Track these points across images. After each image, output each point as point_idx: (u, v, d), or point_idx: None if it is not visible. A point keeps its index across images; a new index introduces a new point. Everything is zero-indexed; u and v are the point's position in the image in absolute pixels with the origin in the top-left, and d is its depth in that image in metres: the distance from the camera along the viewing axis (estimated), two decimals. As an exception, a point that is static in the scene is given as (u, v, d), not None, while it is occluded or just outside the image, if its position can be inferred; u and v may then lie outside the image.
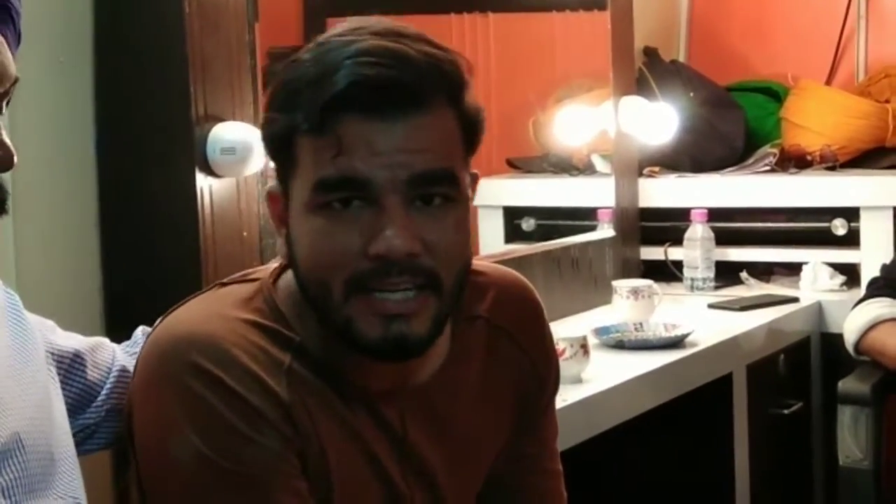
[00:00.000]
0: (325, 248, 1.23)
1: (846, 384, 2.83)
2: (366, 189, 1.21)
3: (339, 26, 1.27)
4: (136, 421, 1.30)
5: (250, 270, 1.39)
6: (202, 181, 2.08)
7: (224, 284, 1.36)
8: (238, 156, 2.09)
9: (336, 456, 1.29)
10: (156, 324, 1.35)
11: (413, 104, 1.21)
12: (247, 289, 1.33)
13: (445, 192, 1.24)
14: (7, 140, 1.19)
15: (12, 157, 1.19)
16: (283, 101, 1.25)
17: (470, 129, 1.28)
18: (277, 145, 1.26)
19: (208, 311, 1.30)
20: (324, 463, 1.29)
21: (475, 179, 1.32)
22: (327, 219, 1.22)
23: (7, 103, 1.22)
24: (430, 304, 1.24)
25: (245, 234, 2.17)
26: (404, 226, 1.21)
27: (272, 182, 1.31)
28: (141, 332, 1.69)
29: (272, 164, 1.32)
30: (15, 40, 1.24)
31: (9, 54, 1.21)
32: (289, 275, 1.32)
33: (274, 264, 1.36)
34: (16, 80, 1.22)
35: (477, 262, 1.40)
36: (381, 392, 1.33)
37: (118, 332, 1.69)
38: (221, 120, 2.11)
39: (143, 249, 2.14)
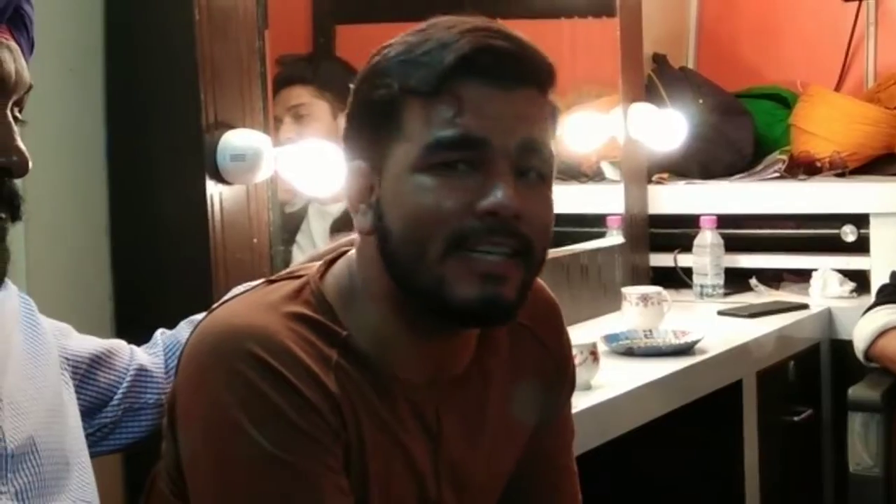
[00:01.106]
0: (431, 205, 1.25)
1: (856, 391, 2.83)
2: (480, 150, 1.25)
3: (434, 20, 1.32)
4: (183, 408, 1.30)
5: (296, 267, 1.42)
6: (212, 188, 2.08)
7: (272, 281, 1.37)
8: (248, 163, 2.09)
9: (374, 452, 1.31)
10: (203, 317, 1.36)
11: (527, 79, 1.29)
12: (294, 284, 1.34)
13: (541, 167, 1.30)
14: (22, 146, 1.20)
15: (27, 162, 1.20)
16: (391, 68, 1.28)
17: (555, 125, 1.34)
18: (380, 111, 1.29)
19: (260, 304, 1.31)
20: (363, 458, 1.30)
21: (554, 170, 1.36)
22: (435, 177, 1.25)
23: (21, 110, 1.22)
24: (520, 270, 1.28)
25: (255, 240, 2.17)
26: (513, 187, 1.26)
27: (356, 161, 1.32)
28: (160, 334, 1.69)
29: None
30: (28, 48, 1.24)
31: (23, 61, 1.22)
32: (336, 269, 1.35)
33: (317, 263, 1.38)
34: (30, 88, 1.22)
35: None
36: (419, 384, 1.35)
37: (128, 339, 1.70)
38: (231, 127, 2.11)
39: (153, 256, 2.14)
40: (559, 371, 1.52)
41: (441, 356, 1.35)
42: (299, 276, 1.36)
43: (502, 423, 1.44)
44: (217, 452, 1.25)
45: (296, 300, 1.31)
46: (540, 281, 1.50)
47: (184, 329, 1.68)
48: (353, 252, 1.36)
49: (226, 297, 1.41)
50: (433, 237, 1.25)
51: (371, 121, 1.30)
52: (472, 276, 1.25)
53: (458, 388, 1.38)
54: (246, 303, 1.34)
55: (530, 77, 1.29)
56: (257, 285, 1.39)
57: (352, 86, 1.34)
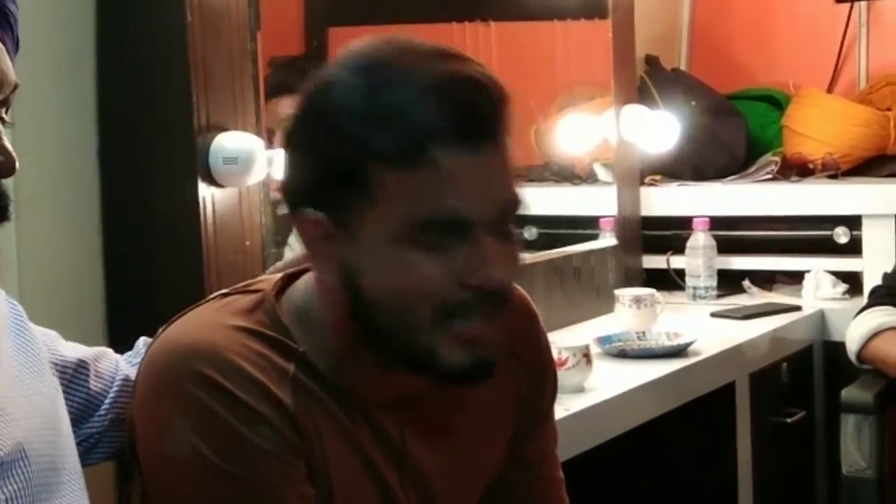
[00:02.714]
0: (415, 279, 1.20)
1: (849, 393, 2.82)
2: (465, 225, 1.19)
3: (371, 45, 1.23)
4: (140, 432, 1.30)
5: (252, 281, 1.39)
6: (204, 191, 2.08)
7: (225, 295, 1.35)
8: (240, 165, 2.09)
9: (337, 465, 1.30)
10: (156, 335, 1.34)
11: (500, 133, 1.22)
12: (248, 300, 1.32)
13: (514, 223, 1.25)
14: (8, 146, 1.19)
15: (14, 163, 1.19)
16: (350, 126, 1.19)
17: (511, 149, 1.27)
18: (342, 170, 1.20)
19: (209, 321, 1.29)
20: (326, 471, 1.29)
21: None
22: (419, 251, 1.19)
23: (7, 110, 1.21)
24: (495, 329, 1.25)
25: (247, 243, 2.17)
26: (501, 257, 1.21)
27: (309, 212, 1.24)
28: (143, 342, 1.68)
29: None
30: (14, 46, 1.23)
31: (8, 61, 1.21)
32: (295, 289, 1.32)
33: (275, 276, 1.36)
34: (16, 87, 1.22)
35: None
36: (381, 404, 1.33)
37: (120, 342, 1.69)
38: (224, 129, 2.11)
39: (145, 259, 2.13)
40: (535, 384, 1.48)
41: (403, 382, 1.32)
42: (255, 291, 1.33)
43: (474, 439, 1.42)
44: (175, 474, 1.25)
45: (248, 316, 1.29)
46: (519, 288, 1.45)
47: None
48: (310, 276, 1.32)
49: (182, 312, 1.37)
50: (420, 309, 1.21)
51: (329, 176, 1.22)
52: (461, 344, 1.22)
53: (424, 408, 1.36)
54: (195, 319, 1.32)
55: (501, 128, 1.22)
56: (211, 299, 1.36)
57: (290, 120, 1.26)
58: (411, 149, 1.17)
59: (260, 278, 1.40)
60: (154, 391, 1.27)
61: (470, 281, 1.20)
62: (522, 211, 1.25)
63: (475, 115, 1.19)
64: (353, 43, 1.24)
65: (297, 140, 1.26)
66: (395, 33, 1.25)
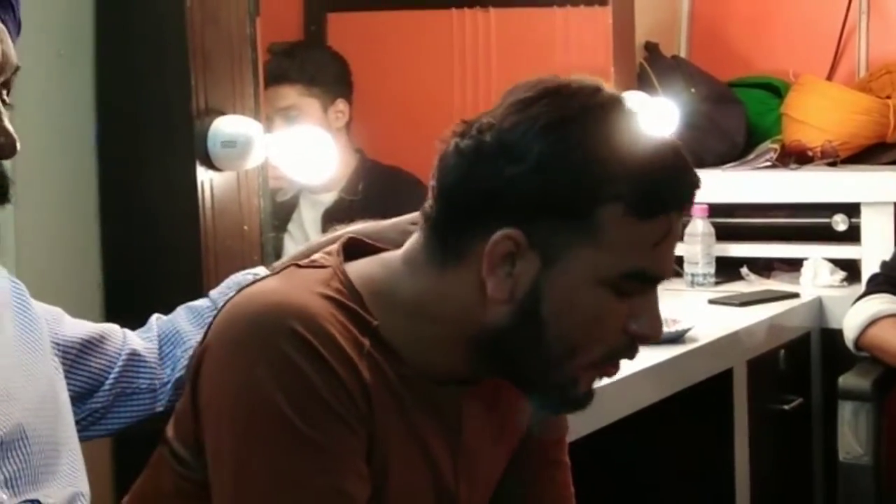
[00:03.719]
0: (602, 321, 1.29)
1: (847, 380, 2.83)
2: (657, 282, 1.32)
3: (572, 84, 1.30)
4: (211, 378, 1.29)
5: (315, 257, 1.39)
6: (203, 175, 2.08)
7: (299, 267, 1.36)
8: (239, 149, 2.09)
9: (396, 444, 1.31)
10: (234, 295, 1.34)
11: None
12: (324, 272, 1.33)
13: None
14: (10, 127, 1.19)
15: (14, 143, 1.19)
16: (615, 171, 1.25)
17: None
18: (576, 202, 1.26)
19: (298, 287, 1.31)
20: (385, 448, 1.30)
21: None
22: (614, 295, 1.28)
23: (8, 92, 1.21)
24: None
25: (246, 228, 2.17)
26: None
27: (509, 230, 1.26)
28: (155, 319, 1.69)
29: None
30: (15, 28, 1.23)
31: (10, 42, 1.21)
32: (363, 265, 1.35)
33: (328, 257, 1.36)
34: (17, 69, 1.22)
35: None
36: (442, 383, 1.35)
37: (118, 325, 1.69)
38: (222, 113, 2.11)
39: (143, 243, 2.13)
40: None
41: (467, 369, 1.36)
42: (323, 266, 1.35)
43: (507, 419, 1.45)
44: (245, 423, 1.24)
45: (329, 286, 1.31)
46: None
47: (181, 316, 1.67)
48: (393, 258, 1.36)
49: (243, 279, 1.43)
50: (591, 350, 1.30)
51: (554, 204, 1.26)
52: (592, 380, 1.34)
53: (477, 391, 1.39)
54: (283, 282, 1.33)
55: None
56: (286, 268, 1.38)
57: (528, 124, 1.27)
58: (653, 205, 1.26)
59: (318, 255, 1.40)
60: (239, 341, 1.26)
61: (635, 330, 1.30)
62: None
63: (696, 183, 1.30)
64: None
65: (537, 160, 1.26)
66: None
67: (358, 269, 1.35)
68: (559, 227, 1.26)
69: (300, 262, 1.38)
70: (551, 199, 1.25)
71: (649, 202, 1.25)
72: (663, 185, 1.27)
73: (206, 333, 1.33)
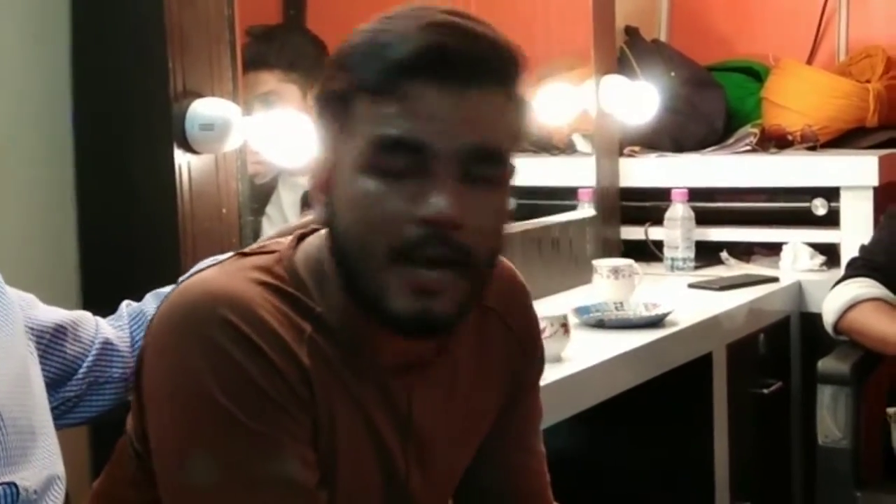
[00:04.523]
0: (376, 212, 1.23)
1: (826, 364, 2.83)
2: (422, 153, 1.23)
3: (403, 7, 1.29)
4: (151, 370, 1.29)
5: (267, 242, 1.40)
6: (180, 157, 2.07)
7: (244, 255, 1.36)
8: (217, 132, 2.08)
9: (344, 429, 1.31)
10: (174, 287, 1.35)
11: (478, 79, 1.24)
12: (267, 259, 1.33)
13: (493, 172, 1.27)
14: None
15: None
16: (347, 61, 1.27)
17: (522, 120, 1.30)
18: (335, 103, 1.27)
19: (235, 275, 1.30)
20: (332, 435, 1.30)
21: (513, 172, 1.33)
22: (380, 182, 1.23)
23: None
24: (460, 285, 1.25)
25: (224, 210, 2.16)
26: (454, 194, 1.23)
27: (318, 153, 1.31)
28: (125, 305, 1.68)
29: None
30: None
31: None
32: (306, 246, 1.34)
33: (287, 237, 1.37)
34: None
35: None
36: (391, 368, 1.34)
37: (95, 309, 1.68)
38: (200, 96, 2.09)
39: (120, 226, 2.12)
40: (525, 353, 1.51)
41: (409, 345, 1.33)
42: (271, 251, 1.35)
43: (468, 405, 1.44)
44: (183, 416, 1.25)
45: (269, 273, 1.31)
46: (508, 263, 1.50)
47: (150, 302, 1.66)
48: (324, 232, 1.35)
49: (195, 269, 1.40)
50: (377, 243, 1.24)
51: (327, 113, 1.29)
52: (409, 290, 1.23)
53: (429, 373, 1.38)
54: (221, 271, 1.33)
55: (486, 77, 1.25)
56: (229, 257, 1.38)
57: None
58: (387, 77, 1.23)
59: (271, 240, 1.42)
60: (175, 331, 1.27)
61: (419, 214, 1.22)
62: (504, 166, 1.28)
63: (451, 55, 1.23)
64: None
65: (317, 87, 1.32)
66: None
67: (305, 250, 1.34)
68: (333, 133, 1.28)
69: (245, 250, 1.38)
70: (322, 107, 1.29)
71: (381, 81, 1.23)
72: (391, 62, 1.23)
73: (149, 325, 1.33)
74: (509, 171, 1.29)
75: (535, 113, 1.33)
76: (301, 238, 1.36)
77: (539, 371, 1.56)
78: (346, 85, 1.26)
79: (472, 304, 1.30)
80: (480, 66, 1.24)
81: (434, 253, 1.23)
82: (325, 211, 1.29)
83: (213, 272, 1.33)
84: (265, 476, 1.24)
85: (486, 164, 1.25)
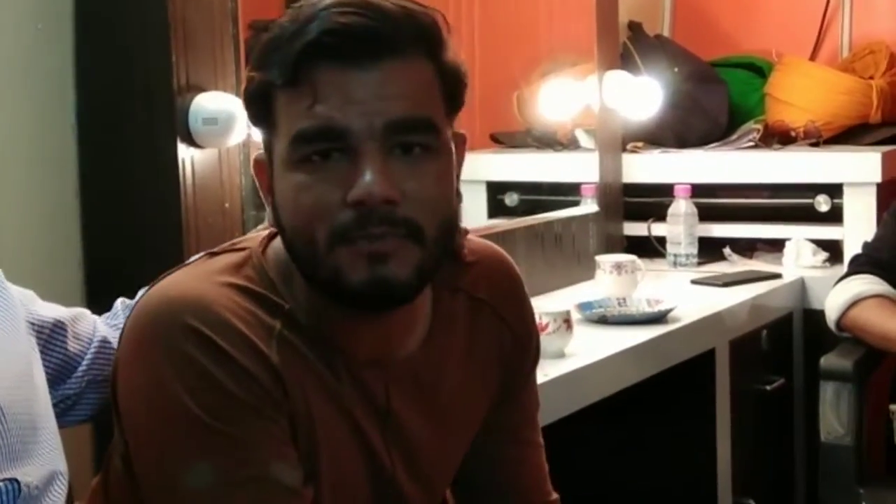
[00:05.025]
0: (307, 202, 1.22)
1: (828, 360, 2.83)
2: (343, 138, 1.21)
3: None
4: (124, 383, 1.29)
5: (239, 239, 1.39)
6: (184, 152, 2.07)
7: (213, 254, 1.35)
8: (220, 126, 2.08)
9: (323, 424, 1.30)
10: (145, 290, 1.34)
11: (387, 52, 1.22)
12: (236, 257, 1.32)
13: (425, 140, 1.24)
14: None
15: None
16: (259, 59, 1.26)
17: (450, 84, 1.28)
18: (256, 106, 1.27)
19: (199, 277, 1.30)
20: (312, 431, 1.29)
21: (463, 140, 1.32)
22: (307, 172, 1.22)
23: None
24: (412, 251, 1.24)
25: (227, 205, 2.16)
26: (381, 171, 1.21)
27: (259, 152, 1.30)
28: (121, 303, 1.68)
29: (257, 133, 1.31)
30: None
31: None
32: (277, 243, 1.32)
33: (262, 233, 1.36)
34: None
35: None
36: (366, 362, 1.33)
37: (99, 304, 1.68)
38: (203, 90, 2.09)
39: (124, 220, 2.12)
40: (519, 345, 1.50)
41: (383, 335, 1.33)
42: (241, 249, 1.34)
43: (459, 399, 1.42)
44: (158, 428, 1.24)
45: (237, 272, 1.30)
46: (503, 253, 1.50)
47: None
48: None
49: (169, 270, 1.39)
50: (317, 233, 1.22)
51: (253, 116, 1.29)
52: (360, 261, 1.22)
53: (408, 367, 1.36)
54: (185, 274, 1.32)
55: (390, 49, 1.22)
56: (199, 258, 1.37)
57: None
58: (292, 69, 1.22)
59: (247, 237, 1.41)
60: (141, 342, 1.26)
61: (349, 197, 1.21)
62: (434, 131, 1.25)
63: (348, 34, 1.21)
64: None
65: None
66: None
67: (277, 249, 1.33)
68: (263, 133, 1.28)
69: (216, 249, 1.37)
70: (248, 109, 1.29)
71: (287, 71, 1.22)
72: (292, 50, 1.21)
73: (119, 337, 1.33)
74: (446, 136, 1.27)
75: (467, 73, 1.30)
76: (273, 236, 1.34)
77: (534, 362, 1.55)
78: (263, 84, 1.25)
79: (431, 271, 1.28)
80: (386, 40, 1.22)
81: (377, 231, 1.22)
82: (272, 211, 1.28)
83: (177, 276, 1.32)
84: (244, 480, 1.23)
85: (414, 134, 1.24)
